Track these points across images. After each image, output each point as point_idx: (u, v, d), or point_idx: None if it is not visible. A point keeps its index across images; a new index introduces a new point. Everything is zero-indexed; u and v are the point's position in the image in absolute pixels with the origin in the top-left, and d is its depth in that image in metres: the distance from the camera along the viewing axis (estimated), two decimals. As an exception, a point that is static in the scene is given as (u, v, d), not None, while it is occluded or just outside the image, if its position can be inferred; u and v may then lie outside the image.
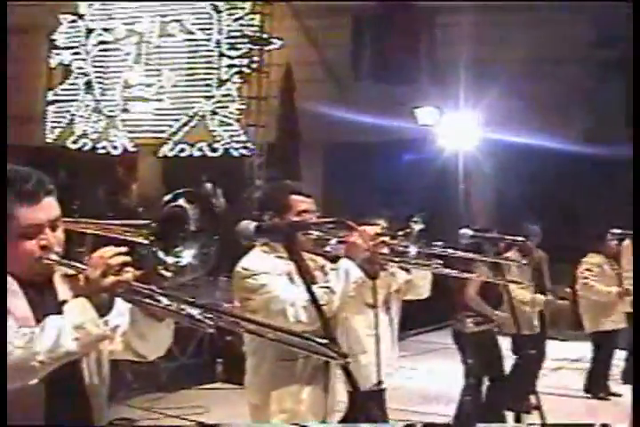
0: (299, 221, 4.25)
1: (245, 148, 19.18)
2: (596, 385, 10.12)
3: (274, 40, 19.30)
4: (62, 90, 21.30)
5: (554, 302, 8.94)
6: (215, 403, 9.42)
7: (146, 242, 2.86)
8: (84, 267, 2.75)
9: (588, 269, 10.14)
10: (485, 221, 14.87)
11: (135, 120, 20.37)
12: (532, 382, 7.74)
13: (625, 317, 10.00)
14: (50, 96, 21.40)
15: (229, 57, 19.69)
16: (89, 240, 3.09)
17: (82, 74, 21.08)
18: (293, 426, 4.28)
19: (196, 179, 16.33)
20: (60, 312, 2.66)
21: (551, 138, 15.50)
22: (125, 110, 20.38)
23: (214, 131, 19.56)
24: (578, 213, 16.57)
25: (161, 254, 2.86)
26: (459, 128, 16.46)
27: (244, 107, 19.34)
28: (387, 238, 4.31)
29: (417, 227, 4.68)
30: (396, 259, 4.55)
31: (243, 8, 19.79)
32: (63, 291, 2.94)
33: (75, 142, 20.76)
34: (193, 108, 19.82)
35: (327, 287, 4.09)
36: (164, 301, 2.77)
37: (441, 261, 4.82)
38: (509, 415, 7.99)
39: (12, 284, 2.84)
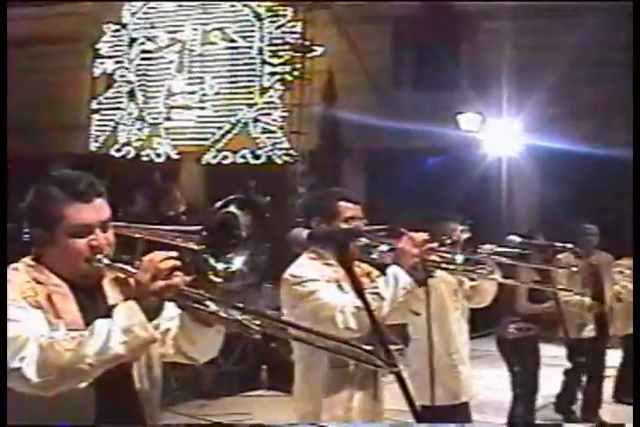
0: (352, 228, 4.22)
1: (288, 155, 19.22)
2: (626, 391, 9.84)
3: (315, 47, 19.31)
4: (106, 98, 21.47)
5: (599, 305, 8.73)
6: (259, 410, 9.38)
7: (196, 248, 2.85)
8: (133, 270, 2.76)
9: (620, 272, 9.99)
10: (529, 227, 14.77)
11: (178, 128, 20.47)
12: (595, 392, 7.63)
13: None
14: (94, 105, 21.59)
15: (271, 64, 19.75)
16: (139, 246, 3.09)
17: (125, 82, 21.24)
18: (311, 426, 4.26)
19: (239, 186, 16.33)
20: (109, 316, 2.66)
21: (593, 143, 15.36)
22: (168, 118, 20.49)
23: (257, 138, 19.61)
24: (620, 218, 16.39)
25: (211, 261, 2.86)
26: (501, 134, 16.39)
27: (286, 114, 19.39)
28: (434, 245, 4.28)
29: (464, 235, 4.67)
30: (445, 266, 4.52)
31: (284, 15, 19.84)
32: (113, 295, 2.96)
33: (118, 150, 20.91)
34: (235, 115, 19.88)
35: (376, 293, 4.06)
36: (213, 306, 2.77)
37: (490, 268, 4.79)
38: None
39: (62, 287, 2.86)
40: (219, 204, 2.93)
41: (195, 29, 20.53)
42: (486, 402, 6.26)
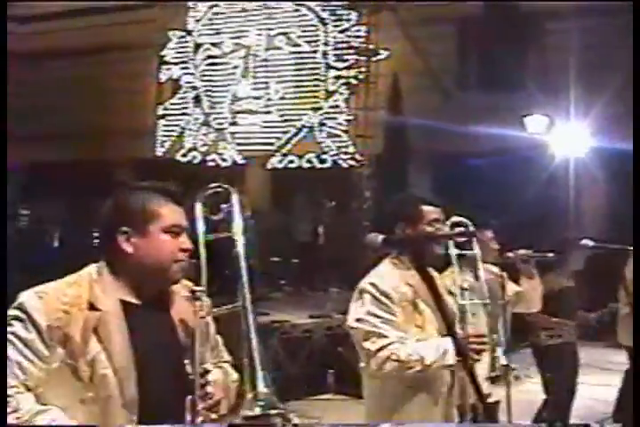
0: (427, 232, 4.20)
1: (353, 159, 19.18)
2: None
3: (380, 50, 19.25)
4: (172, 104, 21.66)
5: None
6: (326, 414, 9.36)
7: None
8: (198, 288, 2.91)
9: None
10: (597, 230, 14.60)
11: (244, 133, 20.55)
12: None
13: None
14: (160, 110, 21.78)
15: (336, 68, 19.76)
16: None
17: (191, 88, 21.40)
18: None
19: (305, 190, 16.36)
20: (170, 331, 2.89)
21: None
22: (234, 123, 20.59)
23: (322, 142, 19.62)
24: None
25: None
26: (569, 136, 16.20)
27: (351, 118, 19.37)
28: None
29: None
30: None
31: (348, 19, 19.83)
32: (181, 311, 3.00)
33: (184, 155, 21.06)
34: (301, 119, 19.93)
35: (420, 359, 4.03)
36: None
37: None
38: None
39: (115, 308, 2.89)
40: None
41: (259, 34, 20.61)
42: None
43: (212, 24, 21.31)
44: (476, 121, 16.61)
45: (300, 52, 20.28)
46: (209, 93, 21.15)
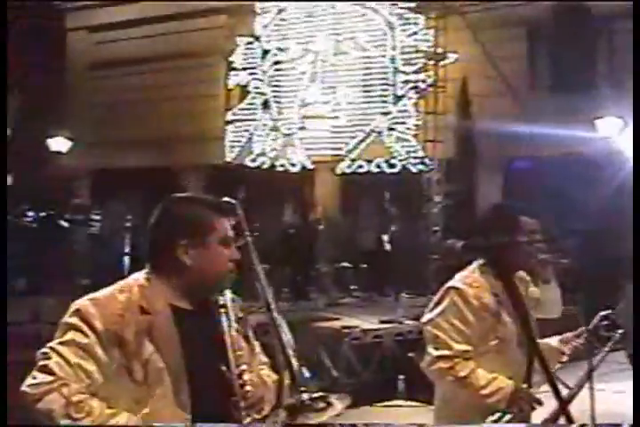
0: (507, 240, 4.13)
1: (423, 163, 19.06)
2: None
3: (449, 54, 19.12)
4: (240, 110, 21.74)
5: None
6: (396, 420, 9.31)
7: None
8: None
9: None
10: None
11: (312, 138, 20.54)
12: None
13: None
14: (229, 116, 21.87)
15: (404, 73, 19.68)
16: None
17: (259, 94, 21.46)
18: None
19: (373, 195, 16.30)
20: (214, 335, 3.01)
21: None
22: (302, 128, 20.58)
23: (391, 147, 19.54)
24: None
25: None
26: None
27: (420, 122, 19.24)
28: None
29: None
30: None
31: (416, 23, 19.74)
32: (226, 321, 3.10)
33: (253, 160, 21.11)
34: (369, 124, 19.87)
35: (477, 386, 4.02)
36: None
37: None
38: None
39: (165, 313, 3.00)
40: None
41: (327, 39, 20.60)
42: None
43: (280, 30, 21.35)
44: (546, 124, 16.42)
45: (368, 57, 20.24)
46: (277, 99, 21.20)
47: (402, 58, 19.79)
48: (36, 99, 22.26)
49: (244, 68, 21.70)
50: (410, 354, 10.16)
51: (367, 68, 20.20)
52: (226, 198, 3.22)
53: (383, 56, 20.01)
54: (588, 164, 17.04)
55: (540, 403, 4.00)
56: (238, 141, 21.60)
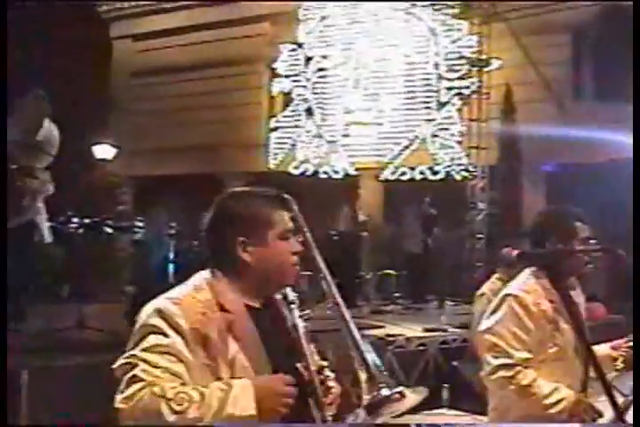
0: (562, 248, 4.08)
1: (467, 170, 18.98)
2: None
3: (492, 60, 19.01)
4: (284, 117, 21.78)
5: None
6: (442, 430, 9.22)
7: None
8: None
9: None
10: None
11: (356, 144, 20.53)
12: None
13: None
14: (272, 123, 21.93)
15: (448, 79, 19.60)
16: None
17: (302, 100, 21.48)
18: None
19: (417, 202, 16.23)
20: (285, 332, 3.01)
21: None
22: (346, 135, 20.59)
23: (435, 154, 19.47)
24: None
25: None
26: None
27: (464, 129, 19.16)
28: None
29: None
30: None
31: (459, 30, 19.66)
32: (290, 316, 3.09)
33: (297, 167, 21.13)
34: (413, 131, 19.82)
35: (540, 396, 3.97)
36: None
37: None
38: None
39: (241, 308, 2.95)
40: None
41: (369, 46, 20.59)
42: None
43: (323, 36, 21.36)
44: (591, 130, 16.27)
45: (411, 63, 20.19)
46: (321, 106, 21.21)
47: (445, 64, 19.72)
48: (80, 106, 22.43)
49: (288, 76, 21.73)
50: (454, 362, 10.08)
51: (410, 75, 20.15)
52: (281, 193, 3.18)
53: (426, 62, 19.96)
54: (633, 171, 16.85)
55: (600, 415, 3.90)
56: (282, 148, 21.64)
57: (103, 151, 20.64)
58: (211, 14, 23.03)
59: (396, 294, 15.74)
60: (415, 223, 16.02)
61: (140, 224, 14.83)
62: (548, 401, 3.92)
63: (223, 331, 2.86)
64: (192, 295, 2.91)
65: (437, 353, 10.55)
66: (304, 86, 21.48)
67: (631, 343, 4.20)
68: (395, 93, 20.21)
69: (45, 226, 10.30)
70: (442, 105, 19.58)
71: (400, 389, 2.74)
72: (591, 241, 4.20)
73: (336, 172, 20.74)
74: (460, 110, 19.44)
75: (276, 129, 21.83)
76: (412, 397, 2.78)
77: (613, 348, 4.28)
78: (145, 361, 2.75)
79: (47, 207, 10.46)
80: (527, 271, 4.18)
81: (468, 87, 19.29)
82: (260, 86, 22.63)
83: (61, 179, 10.09)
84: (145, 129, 23.22)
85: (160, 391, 2.69)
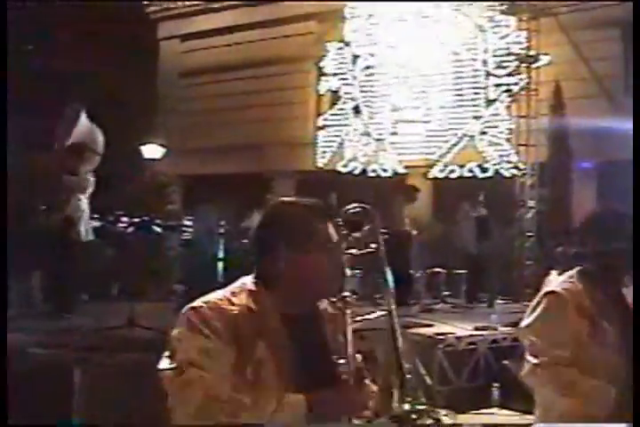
0: (620, 248, 4.01)
1: (516, 168, 18.78)
2: None
3: (541, 57, 18.83)
4: (332, 115, 21.76)
5: None
6: (492, 429, 9.15)
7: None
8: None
9: None
10: None
11: (404, 142, 20.46)
12: None
13: None
14: (320, 122, 21.93)
15: (496, 76, 19.44)
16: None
17: (350, 99, 21.45)
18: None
19: (467, 200, 16.12)
20: (321, 339, 3.04)
21: None
22: (394, 133, 20.52)
23: (484, 151, 19.33)
24: None
25: None
26: None
27: (513, 126, 18.99)
28: None
29: None
30: None
31: (508, 26, 19.49)
32: (329, 327, 3.12)
33: (345, 166, 21.10)
34: (462, 128, 19.70)
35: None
36: None
37: None
38: None
39: (276, 316, 3.00)
40: None
41: (416, 43, 20.49)
42: None
43: (370, 35, 21.30)
44: (642, 126, 16.07)
45: (458, 61, 20.07)
46: (368, 104, 21.15)
47: (493, 61, 19.54)
48: (128, 107, 22.60)
49: (335, 74, 21.70)
50: (504, 361, 10.01)
51: (458, 72, 20.02)
52: (327, 202, 3.20)
53: (474, 59, 19.81)
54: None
55: None
56: (330, 147, 21.62)
57: (152, 151, 20.78)
58: (257, 14, 23.11)
59: (446, 293, 15.67)
60: (466, 222, 15.90)
61: (189, 223, 14.91)
62: (588, 400, 3.84)
63: (253, 335, 2.91)
64: (227, 298, 2.99)
65: (487, 352, 10.48)
66: (351, 84, 21.44)
67: None
68: (443, 91, 20.10)
69: (84, 223, 10.36)
70: (490, 102, 19.41)
71: (423, 408, 2.74)
72: None
73: (385, 170, 20.68)
74: (508, 107, 19.27)
75: (323, 127, 21.82)
76: (442, 419, 2.83)
77: None
78: (192, 364, 2.82)
79: (97, 207, 10.54)
80: (574, 270, 4.12)
81: (516, 84, 19.11)
82: (307, 85, 22.66)
83: (111, 179, 10.17)
84: (193, 129, 23.35)
85: (214, 393, 2.76)
